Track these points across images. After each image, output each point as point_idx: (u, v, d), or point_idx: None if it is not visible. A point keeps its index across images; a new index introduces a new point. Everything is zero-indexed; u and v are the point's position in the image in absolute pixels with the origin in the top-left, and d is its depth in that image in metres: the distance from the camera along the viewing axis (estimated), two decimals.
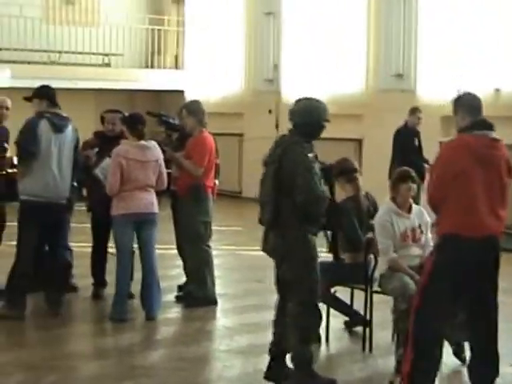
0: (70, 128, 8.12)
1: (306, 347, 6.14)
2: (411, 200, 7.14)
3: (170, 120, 9.18)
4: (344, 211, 7.31)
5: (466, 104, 5.83)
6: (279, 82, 18.12)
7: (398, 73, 15.70)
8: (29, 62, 18.25)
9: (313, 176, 5.96)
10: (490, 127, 5.76)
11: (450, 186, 5.65)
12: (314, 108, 6.17)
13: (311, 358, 6.17)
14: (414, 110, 13.18)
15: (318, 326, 6.29)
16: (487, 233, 5.67)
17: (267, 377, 6.32)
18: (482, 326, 5.87)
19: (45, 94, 8.14)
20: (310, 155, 6.03)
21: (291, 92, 17.08)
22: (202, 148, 8.60)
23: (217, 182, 9.09)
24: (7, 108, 8.80)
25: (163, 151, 8.32)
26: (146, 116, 8.64)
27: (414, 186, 7.08)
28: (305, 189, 5.93)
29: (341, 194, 7.51)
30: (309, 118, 6.12)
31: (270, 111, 17.81)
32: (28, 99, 8.22)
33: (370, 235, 7.25)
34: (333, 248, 6.39)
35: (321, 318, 6.29)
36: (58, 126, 7.99)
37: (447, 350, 6.55)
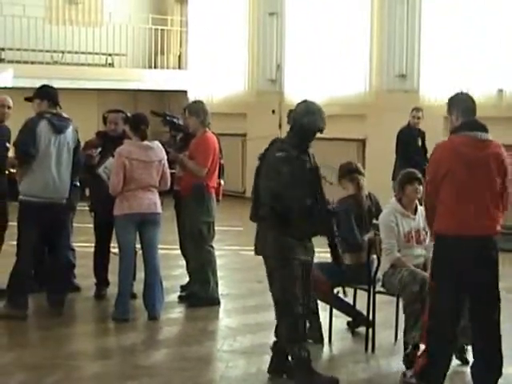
0: (70, 129, 8.10)
1: (296, 346, 6.17)
2: (417, 201, 7.16)
3: (175, 120, 9.16)
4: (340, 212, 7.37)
5: (461, 105, 5.90)
6: (282, 82, 18.11)
7: (401, 73, 15.67)
8: (32, 62, 18.24)
9: (274, 176, 6.04)
10: (481, 128, 5.80)
11: (440, 187, 5.74)
12: (307, 112, 6.20)
13: (306, 356, 6.19)
14: (412, 110, 13.25)
15: (300, 324, 6.23)
16: (477, 233, 5.73)
17: (269, 371, 6.45)
18: (483, 327, 5.88)
19: (45, 94, 8.12)
20: (280, 154, 6.05)
21: (294, 92, 17.09)
22: (204, 148, 8.59)
23: (222, 182, 9.09)
24: (9, 107, 8.76)
25: (167, 152, 8.32)
26: (150, 116, 8.64)
27: (421, 188, 7.09)
28: (266, 189, 6.06)
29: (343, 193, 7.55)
30: (302, 121, 6.16)
31: (273, 111, 17.80)
32: (29, 99, 8.21)
33: (370, 235, 7.27)
34: (334, 256, 6.33)
35: (299, 317, 6.19)
36: (58, 127, 7.97)
37: None
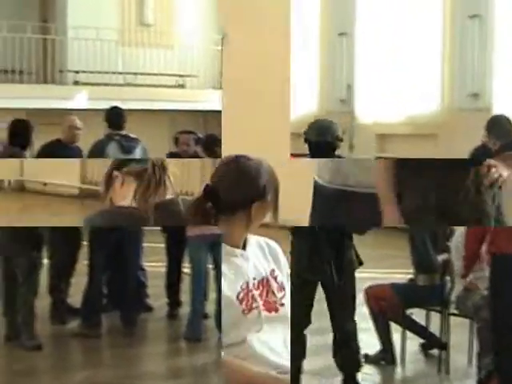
0: (138, 149, 8.18)
1: None
2: None
3: None
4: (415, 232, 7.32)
5: (495, 128, 5.97)
6: (353, 102, 18.04)
7: (474, 92, 15.50)
8: (105, 84, 18.54)
9: None
10: None
11: None
12: (310, 126, 6.36)
13: None
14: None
15: None
16: None
17: None
18: None
19: (113, 115, 8.23)
20: None
21: (365, 112, 17.02)
22: None
23: None
24: (77, 128, 8.79)
25: None
26: None
27: None
28: None
29: None
30: (307, 135, 6.31)
31: (343, 132, 17.73)
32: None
33: (445, 256, 7.19)
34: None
35: None
36: (127, 148, 8.06)
37: None
